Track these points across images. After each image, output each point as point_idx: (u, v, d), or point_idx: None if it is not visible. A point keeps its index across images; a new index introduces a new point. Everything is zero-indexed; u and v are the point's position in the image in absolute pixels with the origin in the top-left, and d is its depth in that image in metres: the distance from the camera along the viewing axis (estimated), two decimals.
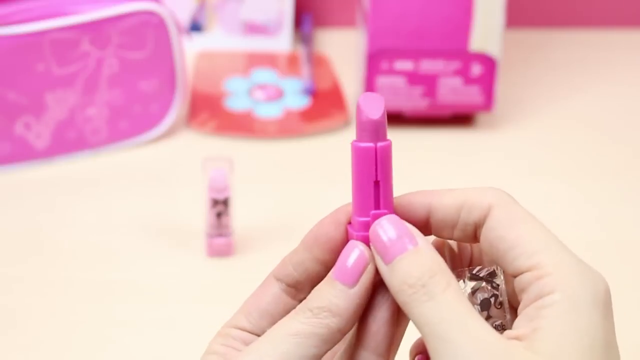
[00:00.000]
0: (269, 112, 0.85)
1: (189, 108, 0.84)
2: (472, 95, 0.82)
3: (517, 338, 0.31)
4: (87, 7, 0.72)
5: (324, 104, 0.86)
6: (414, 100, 0.82)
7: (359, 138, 0.34)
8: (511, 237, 0.33)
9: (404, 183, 0.76)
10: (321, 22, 1.03)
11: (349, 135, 0.82)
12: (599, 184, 0.76)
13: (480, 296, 0.35)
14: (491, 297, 0.35)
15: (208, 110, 0.84)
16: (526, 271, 0.32)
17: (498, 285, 0.35)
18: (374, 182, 0.35)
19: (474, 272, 0.35)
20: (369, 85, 0.81)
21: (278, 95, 0.87)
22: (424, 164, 0.78)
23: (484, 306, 0.35)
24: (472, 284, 0.35)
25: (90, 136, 0.77)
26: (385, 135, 0.35)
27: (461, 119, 0.85)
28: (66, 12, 0.72)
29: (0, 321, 0.60)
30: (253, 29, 0.97)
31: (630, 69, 0.97)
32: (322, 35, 1.01)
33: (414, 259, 0.32)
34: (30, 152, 0.75)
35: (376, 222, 0.34)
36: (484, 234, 0.34)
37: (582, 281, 0.32)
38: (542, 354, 0.30)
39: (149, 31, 0.75)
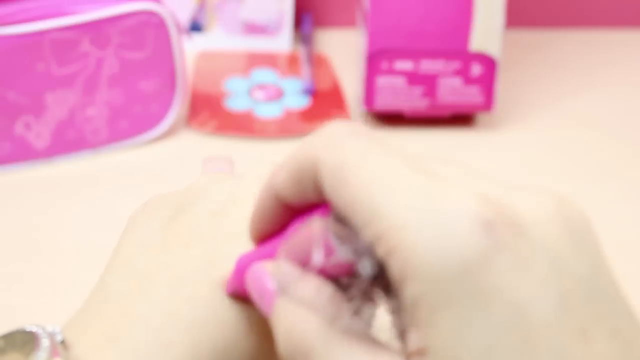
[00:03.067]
0: (269, 112, 0.85)
1: (189, 108, 0.84)
2: (472, 95, 0.82)
3: (416, 354, 0.24)
4: (87, 7, 0.73)
5: (324, 104, 0.86)
6: (414, 100, 0.82)
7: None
8: (342, 202, 0.25)
9: None
10: (321, 22, 1.03)
11: None
12: (599, 184, 0.76)
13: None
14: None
15: (208, 110, 0.84)
16: (377, 248, 0.24)
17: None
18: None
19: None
20: (369, 85, 0.81)
21: (278, 95, 0.87)
22: None
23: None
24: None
25: (90, 136, 0.77)
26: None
27: (461, 119, 0.85)
28: (66, 12, 0.72)
29: (0, 321, 0.60)
30: (253, 29, 0.97)
31: (630, 69, 0.97)
32: (322, 35, 1.01)
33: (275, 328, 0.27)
34: (30, 152, 0.75)
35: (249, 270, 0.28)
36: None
37: (440, 246, 0.22)
38: None
39: (149, 31, 0.75)
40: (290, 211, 0.28)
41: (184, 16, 0.96)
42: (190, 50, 0.89)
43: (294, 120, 0.83)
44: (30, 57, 0.71)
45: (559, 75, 0.95)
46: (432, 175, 0.24)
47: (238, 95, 0.87)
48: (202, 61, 0.93)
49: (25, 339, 0.28)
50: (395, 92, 0.81)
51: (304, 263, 0.26)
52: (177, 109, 0.80)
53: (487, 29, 0.79)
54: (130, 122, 0.78)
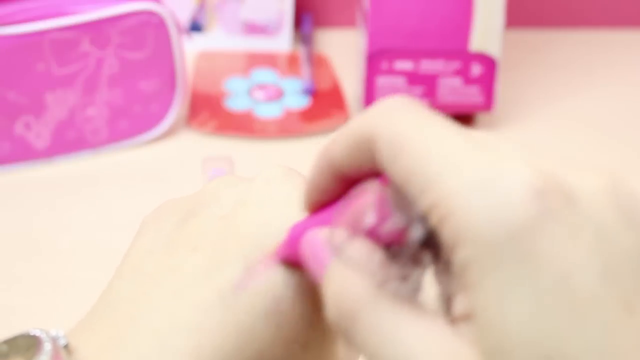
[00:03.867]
0: (269, 112, 0.85)
1: (189, 108, 0.84)
2: (472, 95, 0.82)
3: (461, 319, 0.25)
4: (87, 7, 0.73)
5: (324, 104, 0.86)
6: None
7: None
8: (398, 172, 0.25)
9: None
10: (321, 22, 1.03)
11: None
12: None
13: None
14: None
15: (208, 110, 0.84)
16: (430, 215, 0.25)
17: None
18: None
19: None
20: (369, 85, 0.81)
21: (278, 95, 0.87)
22: None
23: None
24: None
25: (90, 136, 0.77)
26: None
27: (461, 119, 0.85)
28: (66, 12, 0.72)
29: (0, 321, 0.60)
30: (253, 29, 0.97)
31: (630, 69, 0.97)
32: (322, 35, 1.01)
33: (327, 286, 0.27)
34: (30, 152, 0.75)
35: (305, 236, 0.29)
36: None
37: (492, 211, 0.23)
38: (487, 352, 0.23)
39: (149, 31, 0.75)
40: (345, 181, 0.28)
41: (184, 16, 0.96)
42: (190, 50, 0.89)
43: (294, 120, 0.83)
44: (30, 57, 0.71)
45: (559, 75, 0.95)
46: (485, 146, 0.26)
47: (238, 95, 0.87)
48: (202, 61, 0.93)
49: (28, 343, 0.28)
50: (395, 92, 0.81)
51: (357, 228, 0.27)
52: (177, 109, 0.80)
53: (487, 29, 0.79)
54: (130, 122, 0.78)
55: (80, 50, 0.73)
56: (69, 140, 0.76)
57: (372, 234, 0.27)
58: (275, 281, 0.28)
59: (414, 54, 0.80)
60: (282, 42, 0.98)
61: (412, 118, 0.26)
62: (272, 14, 0.97)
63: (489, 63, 0.80)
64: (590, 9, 1.05)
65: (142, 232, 0.33)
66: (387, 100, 0.27)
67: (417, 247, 0.26)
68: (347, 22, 1.01)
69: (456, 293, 0.25)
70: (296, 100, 0.87)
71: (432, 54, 0.80)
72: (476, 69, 0.80)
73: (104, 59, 0.74)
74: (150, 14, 0.75)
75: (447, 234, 0.24)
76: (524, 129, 0.84)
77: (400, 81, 0.81)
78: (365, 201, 0.27)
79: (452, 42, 0.79)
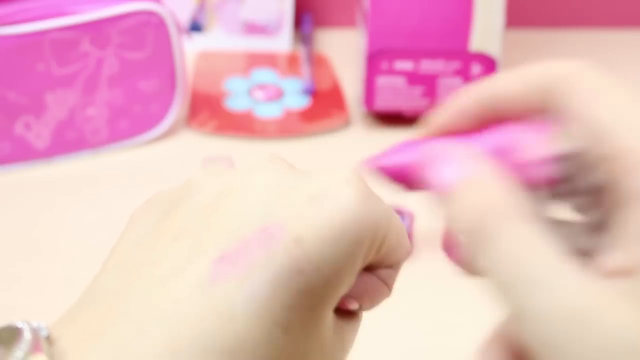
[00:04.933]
0: (269, 112, 0.85)
1: (189, 108, 0.84)
2: None
3: (618, 273, 0.24)
4: (87, 7, 0.73)
5: (324, 104, 0.86)
6: (414, 100, 0.82)
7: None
8: (591, 117, 0.26)
9: None
10: (321, 22, 1.03)
11: (349, 135, 0.82)
12: None
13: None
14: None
15: (208, 110, 0.84)
16: (601, 166, 0.25)
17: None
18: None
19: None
20: (369, 85, 0.81)
21: (278, 95, 0.87)
22: None
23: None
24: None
25: (90, 136, 0.77)
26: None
27: None
28: (66, 12, 0.72)
29: (0, 321, 0.60)
30: (253, 29, 0.97)
31: (630, 69, 0.97)
32: (322, 35, 1.01)
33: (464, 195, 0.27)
34: (30, 152, 0.75)
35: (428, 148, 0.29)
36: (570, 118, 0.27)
37: None
38: None
39: (149, 31, 0.75)
40: (485, 121, 0.29)
41: (184, 16, 0.96)
42: (190, 50, 0.89)
43: (294, 120, 0.83)
44: (30, 57, 0.71)
45: None
46: None
47: (238, 95, 0.87)
48: (202, 61, 0.93)
49: (11, 335, 0.28)
50: (395, 92, 0.81)
51: (505, 160, 0.27)
52: (177, 109, 0.80)
53: (487, 29, 0.79)
54: (130, 122, 0.78)
55: (80, 50, 0.73)
56: (69, 140, 0.76)
57: (522, 171, 0.27)
58: (253, 268, 0.28)
59: (414, 54, 0.80)
60: (282, 42, 0.98)
61: (606, 76, 0.28)
62: (272, 14, 0.97)
63: (489, 63, 0.80)
64: (590, 9, 1.05)
65: (129, 226, 0.33)
66: (574, 62, 0.28)
67: (574, 194, 0.26)
68: (347, 22, 1.01)
69: (612, 247, 0.24)
70: (296, 100, 0.87)
71: (432, 54, 0.80)
72: (476, 69, 0.80)
73: (104, 59, 0.74)
74: (150, 14, 0.75)
75: (624, 187, 0.24)
76: None
77: (400, 81, 0.81)
78: (528, 136, 0.27)
79: (452, 42, 0.79)
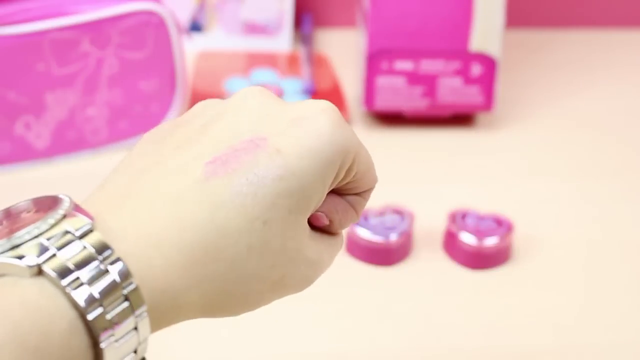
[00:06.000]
0: None
1: (189, 108, 0.84)
2: (472, 95, 0.82)
3: None
4: (87, 7, 0.73)
5: None
6: (414, 100, 0.82)
7: None
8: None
9: (405, 183, 0.76)
10: (321, 22, 1.03)
11: None
12: (599, 183, 0.76)
13: None
14: None
15: None
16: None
17: None
18: None
19: None
20: (369, 85, 0.81)
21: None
22: (424, 164, 0.78)
23: None
24: None
25: (90, 136, 0.77)
26: None
27: (461, 119, 0.85)
28: (66, 12, 0.72)
29: None
30: (253, 29, 0.97)
31: (630, 69, 0.97)
32: (322, 35, 1.02)
33: None
34: (30, 152, 0.75)
35: None
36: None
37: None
38: None
39: (149, 31, 0.75)
40: None
41: (184, 16, 0.96)
42: (190, 50, 0.89)
43: None
44: (30, 57, 0.71)
45: (559, 75, 0.95)
46: None
47: None
48: (202, 61, 0.93)
49: (53, 201, 0.33)
50: (395, 92, 0.81)
51: None
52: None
53: (487, 29, 0.79)
54: (130, 122, 0.78)
55: (80, 50, 0.73)
56: (69, 140, 0.76)
57: None
58: (240, 169, 0.33)
59: (414, 54, 0.80)
60: (282, 42, 0.98)
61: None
62: (272, 14, 0.97)
63: (489, 63, 0.80)
64: (590, 9, 1.05)
65: (138, 143, 0.38)
66: None
67: None
68: (347, 22, 1.01)
69: None
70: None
71: (432, 54, 0.80)
72: (476, 69, 0.80)
73: (104, 59, 0.74)
74: (150, 14, 0.75)
75: None
76: (524, 129, 0.84)
77: (400, 81, 0.81)
78: None
79: (452, 42, 0.79)
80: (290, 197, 0.34)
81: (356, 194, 0.38)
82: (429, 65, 0.80)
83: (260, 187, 0.33)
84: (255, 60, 0.95)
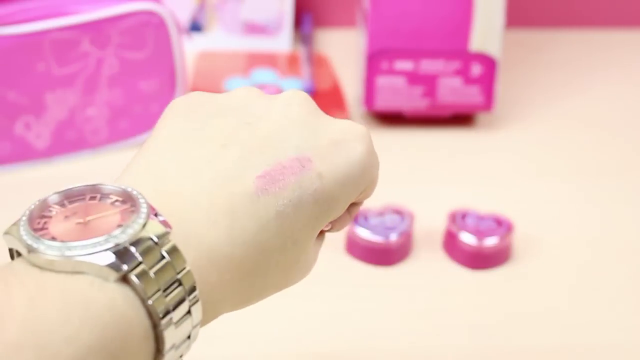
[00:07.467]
0: None
1: None
2: (472, 95, 0.82)
3: None
4: (87, 7, 0.73)
5: (324, 104, 0.86)
6: (414, 100, 0.82)
7: None
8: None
9: (405, 183, 0.76)
10: (321, 22, 1.03)
11: None
12: (600, 183, 0.76)
13: None
14: None
15: None
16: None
17: None
18: None
19: None
20: (369, 85, 0.81)
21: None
22: (424, 164, 0.78)
23: None
24: None
25: (90, 136, 0.77)
26: None
27: (461, 119, 0.85)
28: (66, 12, 0.72)
29: None
30: (253, 29, 0.97)
31: (630, 69, 0.97)
32: (322, 35, 1.02)
33: None
34: (30, 152, 0.75)
35: None
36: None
37: None
38: None
39: (149, 31, 0.75)
40: None
41: (184, 16, 0.96)
42: (190, 50, 0.89)
43: None
44: (30, 57, 0.71)
45: (559, 75, 0.95)
46: None
47: None
48: (202, 61, 0.93)
49: (126, 196, 0.34)
50: (395, 92, 0.81)
51: None
52: None
53: (487, 29, 0.79)
54: (130, 122, 0.78)
55: (80, 50, 0.73)
56: (69, 140, 0.76)
57: None
58: (286, 189, 0.34)
59: (414, 54, 0.80)
60: (282, 42, 0.98)
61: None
62: (272, 14, 0.97)
63: (489, 63, 0.80)
64: (590, 9, 1.05)
65: (171, 114, 0.38)
66: None
67: None
68: (347, 22, 1.01)
69: None
70: None
71: (432, 54, 0.80)
72: (476, 69, 0.80)
73: (104, 59, 0.74)
74: (150, 14, 0.75)
75: None
76: (524, 129, 0.84)
77: (400, 81, 0.81)
78: None
79: (452, 42, 0.79)
80: (319, 219, 0.35)
81: (354, 203, 0.39)
82: (429, 65, 0.80)
83: (299, 208, 0.34)
84: (255, 60, 0.95)
